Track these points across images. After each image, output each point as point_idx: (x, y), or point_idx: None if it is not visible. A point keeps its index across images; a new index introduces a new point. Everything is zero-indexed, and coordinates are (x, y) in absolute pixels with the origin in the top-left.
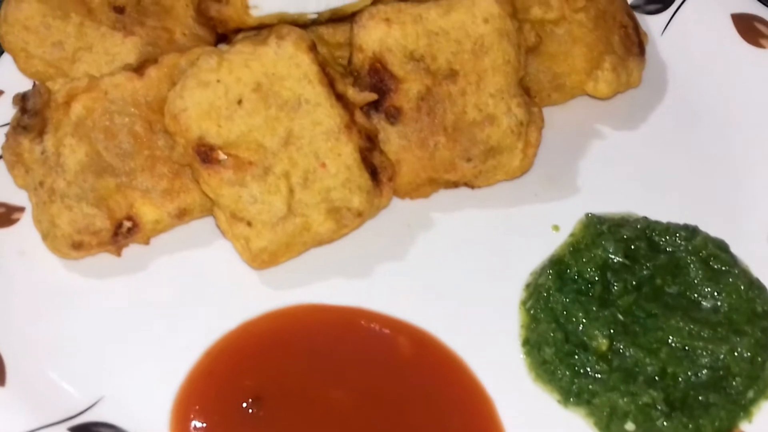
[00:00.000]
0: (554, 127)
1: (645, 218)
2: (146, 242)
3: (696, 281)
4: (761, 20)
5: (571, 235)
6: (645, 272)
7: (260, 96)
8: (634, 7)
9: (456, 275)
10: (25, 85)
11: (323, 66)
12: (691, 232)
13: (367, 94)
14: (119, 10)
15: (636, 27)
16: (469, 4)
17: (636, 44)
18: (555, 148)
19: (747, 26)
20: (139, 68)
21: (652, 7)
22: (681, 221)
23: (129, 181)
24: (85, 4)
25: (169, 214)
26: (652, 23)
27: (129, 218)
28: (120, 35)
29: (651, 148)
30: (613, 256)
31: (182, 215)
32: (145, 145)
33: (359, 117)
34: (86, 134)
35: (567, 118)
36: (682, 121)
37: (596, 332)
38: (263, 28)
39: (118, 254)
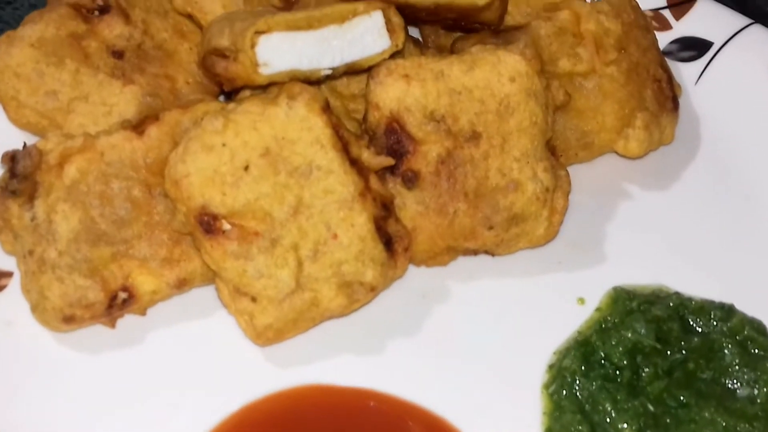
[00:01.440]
0: (579, 186)
1: (677, 294)
2: (143, 313)
3: (732, 367)
4: None
5: (598, 310)
6: (677, 356)
7: (268, 161)
8: (667, 53)
9: (473, 353)
10: (15, 136)
11: (337, 128)
12: (727, 311)
13: (384, 159)
14: (118, 55)
15: (670, 80)
16: (494, 60)
17: (670, 99)
18: (579, 210)
19: None
20: (138, 125)
21: (686, 54)
22: (716, 297)
23: (125, 249)
24: (82, 49)
25: (167, 284)
26: (685, 71)
27: (125, 289)
28: (119, 83)
29: (683, 212)
30: (643, 339)
31: (182, 285)
32: (143, 210)
33: (374, 183)
34: (80, 199)
35: (593, 175)
36: (717, 181)
37: (625, 425)
38: (272, 85)
39: (112, 326)
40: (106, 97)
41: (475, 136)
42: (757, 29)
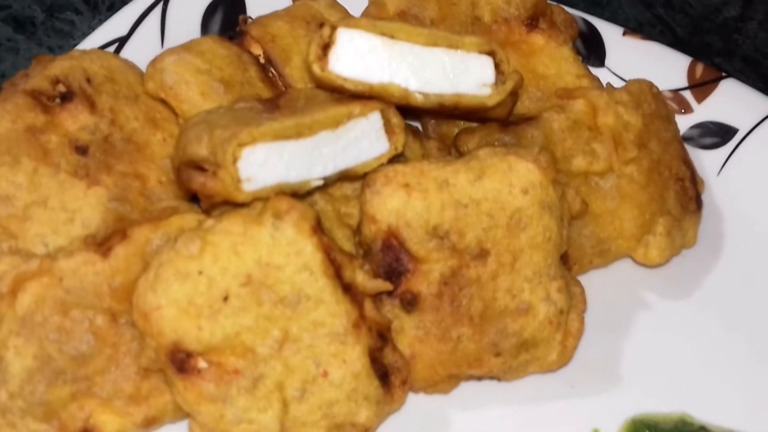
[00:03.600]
0: (592, 295)
1: (703, 428)
2: None
3: None
4: None
5: None
6: None
7: (251, 291)
8: (687, 139)
9: None
10: None
11: (329, 251)
12: None
13: (380, 283)
14: (82, 150)
15: (693, 177)
16: (504, 168)
17: (693, 199)
18: (594, 325)
19: None
20: (103, 243)
21: (708, 140)
22: (745, 427)
23: (87, 387)
24: (41, 145)
25: (134, 424)
26: (707, 160)
27: (86, 431)
28: (82, 185)
29: (707, 324)
30: None
31: (150, 423)
32: (107, 342)
33: (369, 309)
34: (35, 332)
35: (607, 282)
36: (743, 286)
37: None
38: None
39: None
40: (67, 201)
41: (482, 254)
42: None
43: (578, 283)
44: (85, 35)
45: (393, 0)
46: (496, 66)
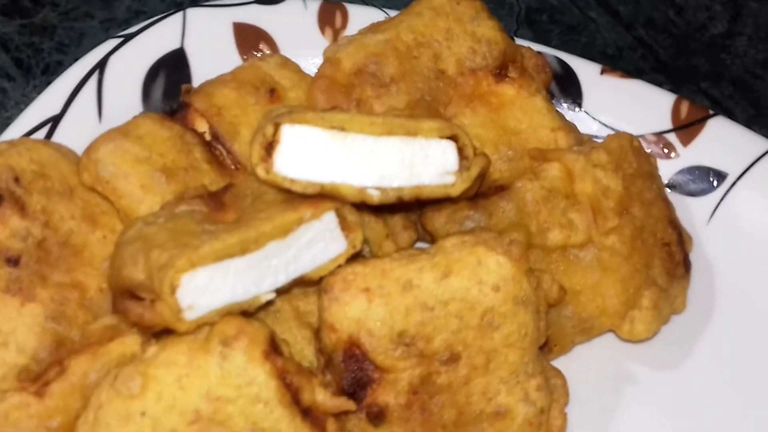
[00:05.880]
0: (576, 373)
1: None
2: None
3: None
4: None
5: None
6: None
7: (200, 429)
8: (672, 186)
9: None
10: None
11: (284, 375)
12: None
13: (342, 402)
14: (13, 262)
15: (680, 238)
16: (473, 263)
17: (681, 263)
18: (578, 408)
19: None
20: (37, 378)
21: (695, 186)
22: None
23: None
24: None
25: None
26: (695, 208)
27: None
28: (15, 302)
29: (700, 398)
30: None
31: None
32: None
33: (331, 430)
34: None
35: (592, 357)
36: (739, 347)
37: None
38: None
39: None
40: (0, 322)
41: (453, 358)
42: None
43: (559, 374)
44: (18, 104)
45: (349, 57)
46: (460, 150)
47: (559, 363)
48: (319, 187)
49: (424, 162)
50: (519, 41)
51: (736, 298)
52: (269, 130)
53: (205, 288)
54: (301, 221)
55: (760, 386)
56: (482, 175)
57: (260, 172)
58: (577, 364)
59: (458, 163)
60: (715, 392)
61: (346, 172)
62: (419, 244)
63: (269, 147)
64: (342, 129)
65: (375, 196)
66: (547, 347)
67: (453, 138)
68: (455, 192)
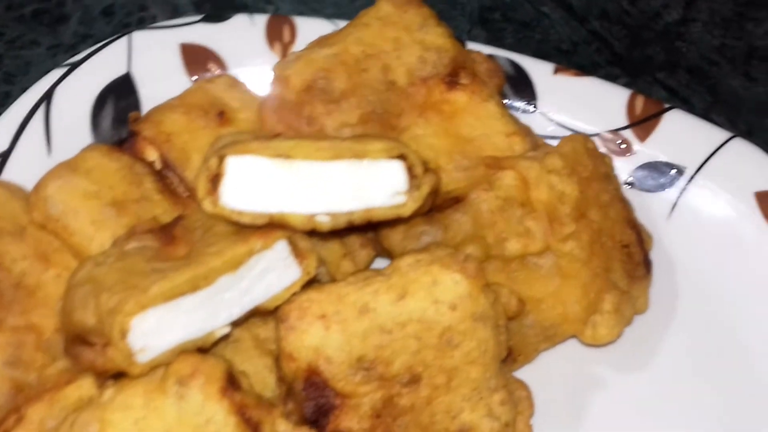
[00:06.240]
0: (540, 380)
1: None
2: None
3: None
4: None
5: None
6: None
7: None
8: (631, 184)
9: None
10: None
11: (243, 410)
12: None
13: None
14: None
15: (640, 238)
16: (429, 283)
17: (641, 263)
18: (545, 412)
19: None
20: None
21: (654, 182)
22: None
23: None
24: None
25: None
26: (655, 204)
27: None
28: None
29: (670, 395)
30: None
31: None
32: None
33: None
34: None
35: (555, 362)
36: (704, 345)
37: None
38: None
39: None
40: None
41: (414, 379)
42: (740, 144)
43: (523, 386)
44: None
45: (298, 73)
46: (409, 169)
47: (525, 372)
48: (267, 217)
49: (374, 184)
50: (471, 45)
51: (698, 292)
52: (213, 162)
53: (156, 329)
54: (252, 253)
55: (726, 379)
56: (433, 193)
57: (207, 206)
58: (543, 372)
59: (408, 183)
60: (683, 389)
61: (294, 201)
62: (379, 261)
63: (215, 180)
64: (288, 156)
65: (325, 223)
66: (510, 358)
67: (401, 157)
68: (406, 212)
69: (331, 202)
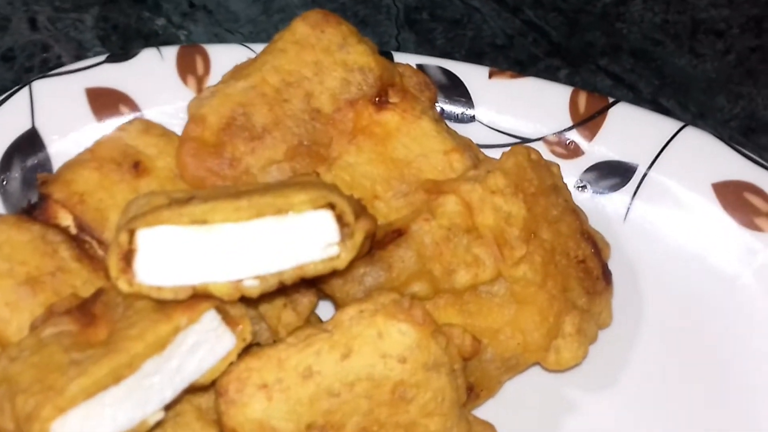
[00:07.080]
0: (507, 412)
1: None
2: None
3: None
4: (754, 189)
5: None
6: None
7: None
8: (582, 188)
9: None
10: None
11: None
12: None
13: None
14: None
15: (596, 249)
16: (374, 336)
17: (600, 277)
18: None
19: (736, 200)
20: None
21: (606, 183)
22: None
23: None
24: None
25: None
26: (609, 206)
27: None
28: None
29: (642, 407)
30: None
31: None
32: None
33: None
34: None
35: (522, 392)
36: (672, 351)
37: None
38: None
39: None
40: None
41: None
42: (692, 133)
43: (488, 426)
44: None
45: (214, 112)
46: (338, 218)
47: (490, 406)
48: (190, 290)
49: (302, 239)
50: (398, 56)
51: (662, 294)
52: (124, 238)
53: (81, 429)
54: (178, 329)
55: (698, 381)
56: (369, 237)
57: (122, 285)
58: (509, 403)
59: (339, 232)
60: (657, 398)
61: (217, 268)
62: (323, 304)
63: (128, 256)
64: (204, 222)
65: (254, 288)
66: (473, 394)
67: (329, 206)
68: (341, 264)
69: (258, 265)
